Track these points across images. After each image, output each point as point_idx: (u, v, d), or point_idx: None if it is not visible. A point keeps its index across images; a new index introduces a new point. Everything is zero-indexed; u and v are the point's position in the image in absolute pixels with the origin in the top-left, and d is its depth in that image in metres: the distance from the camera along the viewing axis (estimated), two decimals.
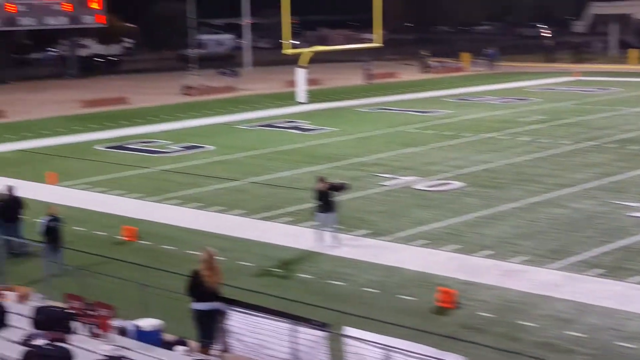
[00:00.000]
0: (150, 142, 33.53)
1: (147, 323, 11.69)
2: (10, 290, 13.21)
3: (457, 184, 24.82)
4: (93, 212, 22.76)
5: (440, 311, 14.96)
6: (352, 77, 57.32)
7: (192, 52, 57.18)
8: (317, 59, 49.42)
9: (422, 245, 18.95)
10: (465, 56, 66.36)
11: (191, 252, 17.90)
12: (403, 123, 37.21)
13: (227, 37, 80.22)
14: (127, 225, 20.46)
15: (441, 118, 38.58)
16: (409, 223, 20.80)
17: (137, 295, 12.92)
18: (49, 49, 70.48)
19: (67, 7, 57.38)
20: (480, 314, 14.77)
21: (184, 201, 23.55)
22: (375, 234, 19.95)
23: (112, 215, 22.32)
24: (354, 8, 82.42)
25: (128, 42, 74.65)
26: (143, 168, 28.48)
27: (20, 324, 10.51)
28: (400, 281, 16.67)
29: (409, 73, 61.49)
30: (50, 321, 10.37)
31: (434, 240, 19.23)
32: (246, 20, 66.67)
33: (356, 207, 22.10)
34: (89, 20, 59.38)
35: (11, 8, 54.93)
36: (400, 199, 23.27)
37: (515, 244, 18.80)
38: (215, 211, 22.42)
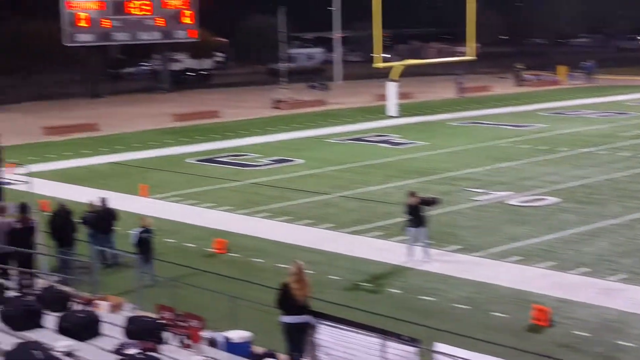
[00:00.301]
0: (240, 155, 33.76)
1: (237, 335, 11.65)
2: (104, 300, 13.37)
3: (552, 199, 24.21)
4: (184, 224, 22.96)
5: (534, 329, 14.54)
6: (444, 90, 56.78)
7: (282, 66, 57.54)
8: (408, 73, 49.09)
9: (516, 262, 18.50)
10: (562, 69, 64.94)
11: (280, 265, 17.87)
12: (496, 137, 36.60)
13: (317, 51, 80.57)
14: (218, 238, 20.56)
15: (536, 132, 37.80)
16: (501, 239, 20.35)
17: (227, 307, 12.90)
18: (142, 63, 71.94)
19: (161, 22, 58.46)
20: (576, 332, 14.29)
21: (274, 214, 23.57)
22: (467, 249, 19.58)
23: (202, 227, 22.48)
24: (446, 21, 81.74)
25: (219, 56, 75.65)
26: (233, 181, 28.66)
27: (113, 333, 10.60)
28: (492, 298, 16.29)
29: (502, 86, 60.54)
30: (142, 331, 10.44)
31: (528, 257, 18.75)
32: (337, 34, 66.80)
33: (447, 222, 21.75)
34: (181, 35, 60.34)
35: (106, 23, 56.29)
36: (493, 215, 22.81)
37: (613, 262, 18.19)
38: (304, 224, 22.36)
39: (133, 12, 57.21)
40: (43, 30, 59.13)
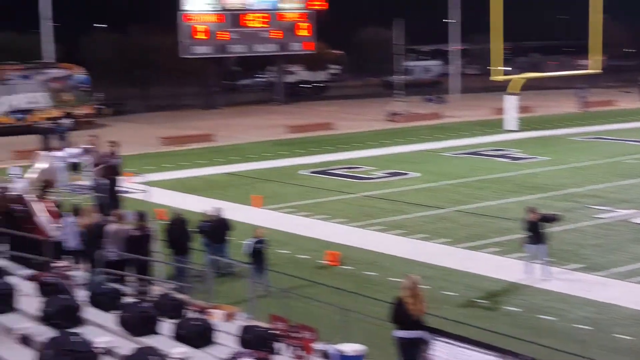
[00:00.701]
0: (354, 167, 33.60)
1: (350, 348, 11.43)
2: (218, 308, 13.39)
3: None
4: (297, 235, 22.91)
5: None
6: (566, 104, 55.29)
7: (398, 78, 57.26)
8: (527, 86, 48.00)
9: None
10: None
11: (393, 279, 17.59)
12: (621, 153, 35.31)
13: (434, 64, 79.88)
14: (330, 250, 20.42)
15: None
16: (626, 258, 19.51)
17: (339, 320, 12.73)
18: (257, 75, 72.83)
19: (277, 34, 59.08)
20: None
21: (387, 227, 23.28)
22: (589, 268, 18.85)
23: (315, 239, 22.37)
24: (568, 34, 79.85)
25: (334, 69, 75.95)
26: (347, 193, 28.51)
27: (227, 342, 10.56)
28: (615, 319, 15.60)
29: (628, 101, 58.54)
30: (256, 341, 10.36)
31: None
32: (454, 46, 66.10)
33: (568, 239, 21.02)
34: (297, 47, 60.80)
35: (223, 36, 57.25)
36: (617, 233, 21.92)
37: None
38: (418, 239, 21.99)
39: (250, 25, 58.02)
40: (161, 43, 60.64)
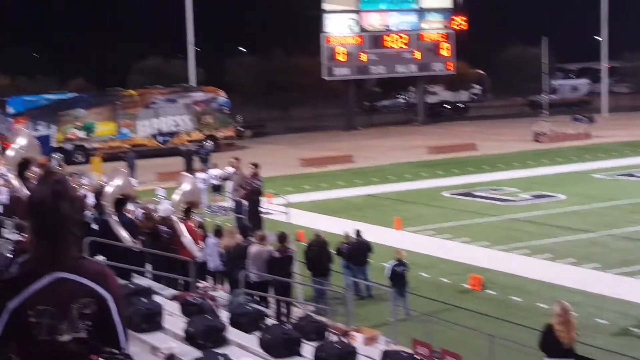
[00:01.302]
0: (498, 189, 32.76)
1: None
2: (358, 332, 13.17)
3: None
4: (438, 258, 22.46)
5: None
6: None
7: (544, 97, 55.77)
8: None
9: None
10: None
11: (540, 304, 16.98)
12: None
13: (582, 82, 77.49)
14: (473, 274, 19.87)
15: None
16: None
17: (484, 346, 12.27)
18: (397, 96, 72.63)
19: (417, 55, 58.81)
20: None
21: (533, 251, 22.50)
22: None
23: (457, 262, 21.87)
24: None
25: (476, 88, 74.89)
26: (490, 216, 27.79)
27: None
28: None
29: None
30: None
31: None
32: (604, 64, 63.99)
33: None
34: (438, 68, 60.30)
35: (364, 57, 57.45)
36: None
37: None
38: (567, 263, 21.16)
39: (390, 46, 58.01)
40: (302, 65, 61.33)
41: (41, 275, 3.58)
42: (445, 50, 59.65)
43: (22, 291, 3.57)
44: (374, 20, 58.03)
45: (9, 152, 8.37)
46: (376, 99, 73.12)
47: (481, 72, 75.22)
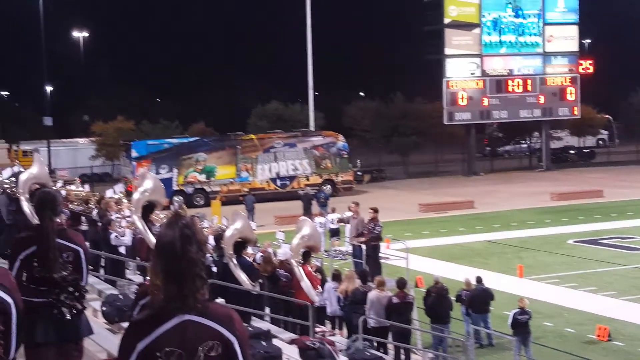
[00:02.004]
0: (626, 237, 31.61)
1: None
2: None
3: None
4: (562, 307, 21.80)
5: None
6: None
7: None
8: None
9: None
10: None
11: None
12: None
13: None
14: (599, 324, 19.16)
15: None
16: None
17: None
18: (520, 141, 71.47)
19: (541, 99, 57.84)
20: None
21: None
22: None
23: (582, 312, 21.21)
24: None
25: (603, 134, 72.96)
26: (618, 265, 26.82)
27: None
28: None
29: None
30: None
31: None
32: None
33: None
34: (562, 112, 59.08)
35: (485, 102, 56.90)
36: None
37: None
38: None
39: (513, 90, 57.29)
40: (423, 110, 61.18)
41: (170, 317, 3.65)
42: (571, 94, 58.46)
43: (151, 333, 3.64)
44: (496, 65, 57.49)
45: (135, 195, 8.53)
46: (498, 144, 72.14)
47: (607, 116, 73.21)
